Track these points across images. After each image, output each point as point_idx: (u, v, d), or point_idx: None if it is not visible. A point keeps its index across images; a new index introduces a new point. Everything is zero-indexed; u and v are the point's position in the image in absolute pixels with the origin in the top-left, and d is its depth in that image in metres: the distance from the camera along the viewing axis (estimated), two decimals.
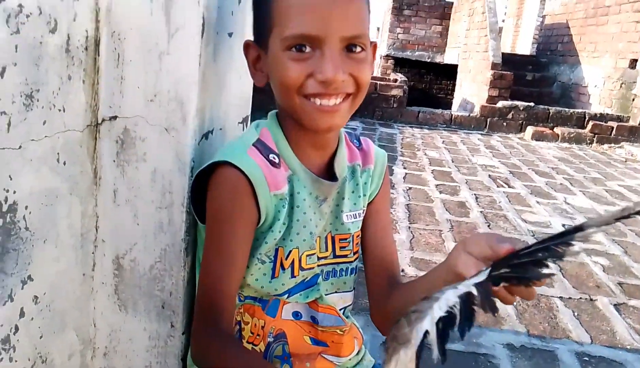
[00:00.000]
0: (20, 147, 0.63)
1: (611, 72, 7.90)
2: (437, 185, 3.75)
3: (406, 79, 9.11)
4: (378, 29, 14.98)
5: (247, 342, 0.81)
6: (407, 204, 3.17)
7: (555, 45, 10.10)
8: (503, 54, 8.20)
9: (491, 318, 1.89)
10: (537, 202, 3.49)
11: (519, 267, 0.53)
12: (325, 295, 0.83)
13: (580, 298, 2.20)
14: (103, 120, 0.79)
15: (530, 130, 6.81)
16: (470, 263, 0.61)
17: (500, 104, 7.18)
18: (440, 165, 4.50)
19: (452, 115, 7.24)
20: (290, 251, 0.78)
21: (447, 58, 12.58)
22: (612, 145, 6.58)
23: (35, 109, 0.65)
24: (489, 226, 2.83)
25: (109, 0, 0.74)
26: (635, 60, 7.37)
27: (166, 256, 0.83)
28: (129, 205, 0.82)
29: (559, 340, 1.88)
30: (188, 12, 0.74)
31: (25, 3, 0.60)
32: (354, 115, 0.86)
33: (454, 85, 11.13)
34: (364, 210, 0.88)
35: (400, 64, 13.15)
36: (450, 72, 11.83)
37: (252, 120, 1.02)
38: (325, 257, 0.84)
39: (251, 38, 0.80)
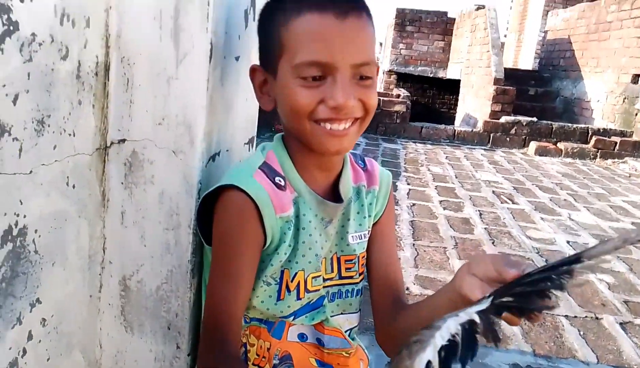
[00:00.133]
0: (31, 171, 0.64)
1: (614, 86, 7.92)
2: (441, 201, 3.75)
3: (409, 94, 9.15)
4: (381, 44, 15.09)
5: (253, 364, 0.81)
6: (411, 221, 3.17)
7: (557, 60, 10.15)
8: (505, 69, 8.25)
9: None
10: (542, 219, 3.49)
11: (522, 297, 0.53)
12: (331, 316, 0.83)
13: (586, 316, 2.19)
14: (112, 143, 0.80)
15: (533, 145, 6.82)
16: (476, 285, 0.61)
17: (503, 119, 7.20)
18: (444, 181, 4.51)
19: (455, 130, 7.26)
20: (296, 273, 0.79)
21: (450, 73, 12.65)
22: (616, 160, 6.58)
23: (46, 134, 0.66)
24: (493, 243, 2.82)
25: (118, 26, 0.76)
26: (638, 75, 7.39)
27: (172, 277, 0.84)
28: (137, 226, 0.83)
29: (565, 360, 1.86)
30: (196, 38, 0.76)
31: (38, 31, 0.62)
32: None
33: (457, 99, 11.18)
34: (369, 230, 0.88)
35: (403, 79, 13.23)
36: (452, 86, 11.88)
37: (257, 137, 1.03)
38: (330, 278, 0.84)
39: (257, 61, 0.81)
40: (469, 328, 0.45)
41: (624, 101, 7.67)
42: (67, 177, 0.72)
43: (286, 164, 0.79)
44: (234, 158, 0.98)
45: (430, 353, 0.42)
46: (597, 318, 2.18)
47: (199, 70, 0.77)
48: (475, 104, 9.16)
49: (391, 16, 13.64)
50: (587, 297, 2.30)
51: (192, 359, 0.86)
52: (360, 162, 0.91)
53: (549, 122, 7.27)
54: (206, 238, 0.80)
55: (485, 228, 3.11)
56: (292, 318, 0.80)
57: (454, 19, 12.89)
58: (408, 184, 4.22)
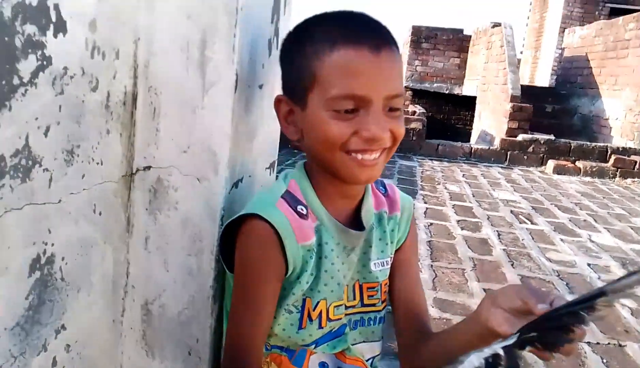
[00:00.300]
0: (59, 201, 0.65)
1: (632, 104, 7.84)
2: (459, 220, 3.72)
3: (424, 111, 9.15)
4: None
5: None
6: (429, 241, 3.15)
7: (574, 78, 10.09)
8: (522, 85, 8.21)
9: None
10: (561, 240, 3.44)
11: (546, 331, 0.53)
12: (353, 344, 0.83)
13: (609, 343, 2.14)
14: (137, 170, 0.81)
15: (551, 163, 6.75)
16: (502, 317, 0.61)
17: (521, 137, 7.15)
18: (461, 200, 4.47)
19: (471, 148, 7.23)
20: (318, 302, 0.79)
21: (466, 90, 12.64)
22: (636, 179, 6.48)
23: (75, 163, 0.67)
24: (512, 265, 2.78)
25: (146, 57, 0.77)
26: None
27: (194, 303, 0.84)
28: (160, 251, 0.84)
29: None
30: (222, 69, 0.77)
31: (70, 65, 0.63)
32: None
33: (473, 115, 11.15)
34: (391, 257, 0.88)
35: (419, 95, 13.24)
36: (468, 102, 11.86)
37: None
38: (353, 306, 0.84)
39: (279, 89, 0.82)
40: (492, 362, 0.46)
41: None
42: (94, 204, 0.73)
43: (308, 193, 0.80)
44: (256, 183, 0.99)
45: None
46: (620, 345, 2.13)
47: (224, 100, 0.78)
48: (491, 121, 9.12)
49: (407, 33, 13.71)
50: (610, 324, 2.25)
51: None
52: (381, 187, 0.91)
53: (567, 140, 7.20)
54: (228, 264, 0.81)
55: (504, 250, 3.08)
56: (313, 346, 0.79)
57: (470, 36, 12.92)
58: (425, 203, 4.20)
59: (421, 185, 4.95)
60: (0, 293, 0.58)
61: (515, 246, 3.18)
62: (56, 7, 0.59)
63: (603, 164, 6.69)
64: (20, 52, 0.55)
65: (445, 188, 4.93)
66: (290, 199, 0.78)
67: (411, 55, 13.18)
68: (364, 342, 0.85)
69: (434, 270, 2.56)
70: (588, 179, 6.40)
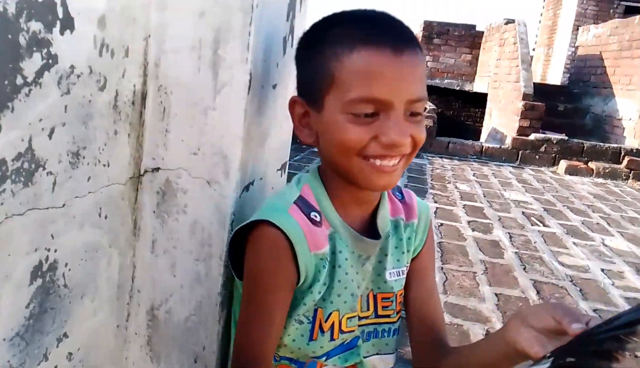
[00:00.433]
0: (64, 205, 0.63)
1: None
2: (469, 221, 3.67)
3: (435, 107, 9.08)
4: None
5: None
6: (439, 242, 3.11)
7: (588, 77, 9.96)
8: (534, 84, 8.12)
9: None
10: (574, 244, 3.38)
11: (585, 357, 0.49)
12: (366, 357, 0.80)
13: None
14: (145, 171, 0.79)
15: (563, 164, 6.67)
16: (533, 338, 0.58)
17: (533, 136, 7.07)
18: (472, 200, 4.42)
19: (482, 146, 7.16)
20: (330, 313, 0.76)
21: (477, 86, 12.54)
22: None
23: (81, 166, 0.64)
24: (524, 269, 2.74)
25: (157, 55, 0.74)
26: None
27: (201, 309, 0.82)
28: (167, 255, 0.81)
29: None
30: (235, 69, 0.74)
31: (77, 64, 0.60)
32: None
33: (483, 112, 11.06)
34: (407, 266, 0.85)
35: (429, 91, 13.07)
36: (478, 99, 11.76)
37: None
38: (366, 317, 0.81)
39: (294, 89, 0.79)
40: None
41: None
42: (100, 207, 0.70)
43: (322, 198, 0.77)
44: (267, 186, 0.96)
45: None
46: (636, 356, 2.08)
47: (237, 101, 0.75)
48: (502, 119, 9.04)
49: (418, 28, 13.60)
50: None
51: None
52: (397, 193, 0.88)
53: (580, 140, 7.11)
54: (237, 271, 0.78)
55: (515, 253, 3.03)
56: (324, 358, 0.77)
57: (482, 33, 12.80)
58: (435, 202, 4.15)
59: (431, 183, 4.90)
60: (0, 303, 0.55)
61: (527, 249, 3.14)
62: (63, 3, 0.56)
63: (616, 166, 6.60)
64: (25, 51, 0.52)
65: (456, 187, 4.88)
66: (303, 205, 0.75)
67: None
68: (377, 354, 0.82)
69: (444, 273, 2.52)
70: (600, 180, 6.31)
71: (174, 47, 0.75)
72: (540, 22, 16.09)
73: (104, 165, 0.69)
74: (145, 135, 0.77)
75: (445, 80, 13.29)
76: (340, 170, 0.73)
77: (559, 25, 14.21)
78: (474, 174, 5.80)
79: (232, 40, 0.74)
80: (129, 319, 0.83)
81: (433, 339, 0.83)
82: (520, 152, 6.99)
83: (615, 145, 7.05)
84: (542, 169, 6.71)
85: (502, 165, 6.62)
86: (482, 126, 11.10)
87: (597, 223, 4.04)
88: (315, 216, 0.75)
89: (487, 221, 3.72)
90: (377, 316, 0.82)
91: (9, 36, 0.50)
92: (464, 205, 4.20)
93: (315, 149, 0.78)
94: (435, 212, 3.84)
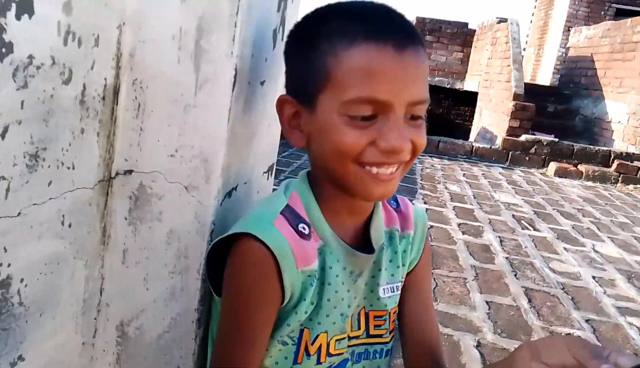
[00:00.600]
0: (19, 214, 0.55)
1: (636, 108, 7.75)
2: (460, 224, 3.62)
3: None
4: None
5: None
6: (430, 246, 3.01)
7: (578, 78, 9.99)
8: (524, 84, 8.09)
9: None
10: (565, 249, 3.35)
11: None
12: None
13: None
14: (117, 174, 0.71)
15: (553, 166, 6.66)
16: None
17: (524, 137, 7.05)
18: (462, 201, 4.38)
19: (473, 146, 7.12)
20: (317, 335, 0.69)
21: (467, 85, 12.53)
22: (638, 186, 6.40)
23: (40, 169, 0.57)
24: (515, 275, 2.69)
25: (132, 45, 0.67)
26: None
27: (176, 326, 0.75)
28: (140, 267, 0.74)
29: None
30: (220, 62, 0.66)
31: (37, 53, 0.52)
32: None
33: (473, 111, 11.05)
34: (402, 282, 0.79)
35: None
36: (469, 97, 11.75)
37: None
38: (357, 337, 0.74)
39: (283, 86, 0.71)
40: None
41: None
42: (63, 215, 0.62)
43: (312, 208, 0.70)
44: (253, 190, 0.89)
45: None
46: None
47: (220, 98, 0.68)
48: (492, 119, 9.02)
49: None
50: (618, 344, 2.14)
51: None
52: (392, 201, 0.81)
53: (571, 143, 7.10)
54: (215, 286, 0.71)
55: (506, 258, 2.98)
56: None
57: (474, 31, 12.78)
58: (425, 203, 4.10)
59: (421, 183, 4.84)
60: None
61: (517, 254, 3.09)
62: None
63: (605, 169, 6.60)
64: None
65: (446, 188, 4.83)
66: (291, 216, 0.68)
67: None
68: None
69: (435, 279, 2.46)
70: (590, 183, 6.31)
71: (152, 36, 0.67)
72: (531, 22, 16.11)
73: (68, 168, 0.61)
74: (117, 134, 0.69)
75: (436, 78, 13.26)
76: (333, 177, 0.67)
77: (550, 26, 14.24)
78: (464, 174, 5.75)
79: (216, 30, 0.66)
80: (97, 335, 0.76)
81: (429, 359, 0.77)
82: (510, 153, 6.97)
83: (605, 148, 7.05)
84: (532, 170, 6.69)
85: (492, 166, 6.59)
86: (471, 125, 11.09)
87: (588, 228, 4.01)
88: (304, 228, 0.68)
89: (478, 224, 3.67)
90: (368, 336, 0.75)
91: None
92: (454, 206, 4.15)
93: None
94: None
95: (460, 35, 13.21)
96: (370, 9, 0.63)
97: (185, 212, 0.71)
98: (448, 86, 13.00)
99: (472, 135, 10.26)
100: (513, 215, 4.09)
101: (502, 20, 9.81)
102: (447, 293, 2.32)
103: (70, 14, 0.56)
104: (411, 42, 0.61)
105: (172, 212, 0.72)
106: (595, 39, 9.65)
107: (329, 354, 0.70)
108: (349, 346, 0.73)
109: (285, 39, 0.71)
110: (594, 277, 2.86)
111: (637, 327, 2.31)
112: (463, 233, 3.39)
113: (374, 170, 0.63)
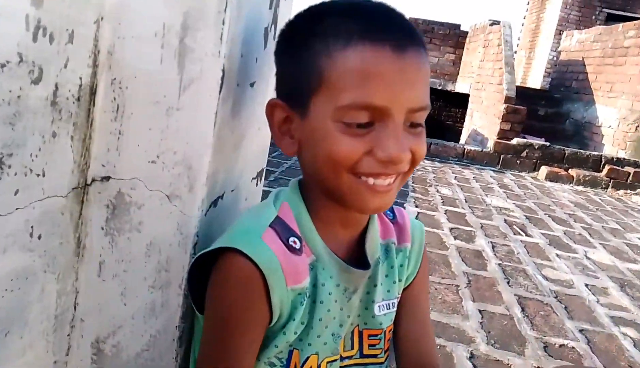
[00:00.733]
0: None
1: (627, 113, 7.78)
2: (452, 228, 3.58)
3: None
4: None
5: None
6: None
7: (569, 82, 10.02)
8: (516, 87, 8.10)
9: None
10: (557, 256, 3.31)
11: None
12: None
13: None
14: (93, 180, 0.66)
15: (544, 170, 6.65)
16: None
17: (515, 140, 7.05)
18: (454, 205, 4.34)
19: (464, 149, 7.11)
20: (307, 357, 0.64)
21: (459, 87, 12.53)
22: (628, 191, 6.42)
23: (5, 177, 0.51)
24: (508, 283, 2.65)
25: (111, 41, 0.61)
26: None
27: (156, 344, 0.70)
28: (117, 281, 0.69)
29: None
30: (206, 62, 0.61)
31: (2, 50, 0.47)
32: None
33: (464, 113, 11.06)
34: (398, 298, 0.74)
35: None
36: (460, 99, 11.75)
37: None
38: (349, 357, 0.70)
39: (273, 89, 0.67)
40: None
41: (637, 129, 7.53)
42: (32, 226, 0.57)
43: (303, 220, 0.65)
44: (241, 197, 0.84)
45: None
46: None
47: (206, 100, 0.63)
48: (483, 121, 9.02)
49: None
50: (612, 356, 2.10)
51: None
52: (388, 212, 0.77)
53: (562, 147, 7.10)
54: (197, 303, 0.66)
55: (499, 264, 2.94)
56: None
57: (467, 33, 12.78)
58: (417, 207, 4.05)
59: (412, 186, 4.80)
60: None
61: (510, 261, 3.05)
62: None
63: (596, 173, 6.61)
64: None
65: (437, 191, 4.79)
66: (281, 229, 0.63)
67: None
68: None
69: None
70: (580, 188, 6.30)
71: (133, 32, 0.62)
72: (523, 24, 16.17)
73: (38, 175, 0.56)
74: (93, 138, 0.64)
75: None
76: (326, 187, 0.62)
77: (541, 29, 14.29)
78: (456, 177, 5.73)
79: (203, 27, 0.61)
80: (70, 353, 0.70)
81: None
82: (501, 156, 6.96)
83: (595, 153, 7.06)
84: (523, 174, 6.68)
85: (483, 169, 6.57)
86: (462, 127, 11.09)
87: (580, 234, 3.99)
88: (295, 242, 0.63)
89: (470, 229, 3.63)
90: (362, 356, 0.71)
91: None
92: (446, 210, 4.11)
93: None
94: (416, 218, 3.74)
95: (453, 37, 13.20)
96: (367, 7, 0.59)
97: (166, 223, 0.67)
98: (440, 87, 12.99)
99: (463, 137, 10.26)
100: (505, 220, 4.06)
101: (495, 23, 9.82)
102: (439, 301, 2.28)
103: (40, 6, 0.51)
104: (411, 43, 0.57)
105: (153, 222, 0.67)
106: (586, 43, 9.69)
107: None
108: (341, 367, 0.69)
109: (276, 38, 0.67)
110: (586, 285, 2.83)
111: (631, 337, 2.27)
112: (455, 238, 3.35)
113: (371, 181, 0.58)
